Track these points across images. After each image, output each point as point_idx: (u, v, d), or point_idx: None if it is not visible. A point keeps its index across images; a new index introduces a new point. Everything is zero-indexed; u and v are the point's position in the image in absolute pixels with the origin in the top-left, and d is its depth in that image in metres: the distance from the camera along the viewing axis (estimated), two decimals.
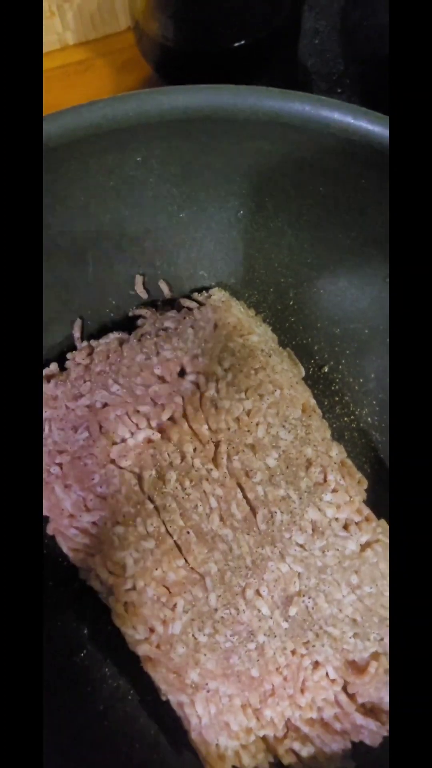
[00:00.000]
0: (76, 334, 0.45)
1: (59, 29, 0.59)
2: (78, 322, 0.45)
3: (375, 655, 0.37)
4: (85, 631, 0.41)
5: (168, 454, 0.40)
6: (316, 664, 0.37)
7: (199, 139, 0.40)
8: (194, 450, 0.40)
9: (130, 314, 0.46)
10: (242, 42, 0.54)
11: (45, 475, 0.40)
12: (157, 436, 0.40)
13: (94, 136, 0.38)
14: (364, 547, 0.39)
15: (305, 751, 0.37)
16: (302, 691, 0.37)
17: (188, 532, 0.38)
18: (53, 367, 0.43)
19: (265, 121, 0.39)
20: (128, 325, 0.45)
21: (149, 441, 0.40)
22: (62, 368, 0.43)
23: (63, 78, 0.60)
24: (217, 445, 0.40)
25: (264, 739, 0.37)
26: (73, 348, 0.45)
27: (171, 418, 0.41)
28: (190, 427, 0.40)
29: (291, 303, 0.46)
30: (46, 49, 0.60)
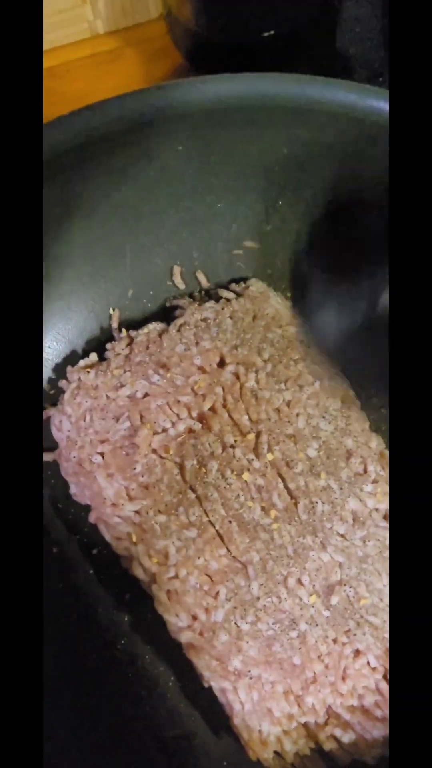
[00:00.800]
0: (114, 324, 0.45)
1: (90, 17, 0.59)
2: (116, 313, 0.45)
3: None
4: (126, 619, 0.42)
5: (209, 444, 0.40)
6: (357, 653, 0.37)
7: (240, 128, 0.40)
8: (235, 440, 0.40)
9: (168, 305, 0.46)
10: (276, 31, 0.53)
11: (87, 464, 0.41)
12: (198, 426, 0.40)
13: (138, 125, 0.38)
14: None
15: (346, 738, 0.37)
16: (343, 678, 0.37)
17: (230, 522, 0.38)
18: (93, 357, 0.43)
19: (308, 110, 0.39)
20: (166, 315, 0.45)
21: (190, 431, 0.40)
22: (101, 358, 0.43)
23: (93, 67, 0.60)
24: (257, 435, 0.40)
25: (305, 725, 0.38)
26: (112, 338, 0.45)
27: (211, 409, 0.41)
28: (231, 417, 0.40)
29: None
30: (76, 37, 0.60)
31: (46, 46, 0.59)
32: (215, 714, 0.39)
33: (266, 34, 0.54)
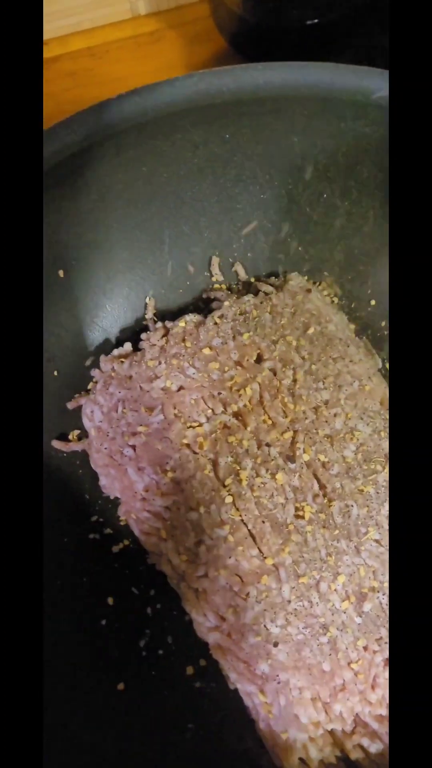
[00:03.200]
0: (149, 314, 0.44)
1: None
2: (152, 302, 0.44)
3: None
4: (150, 615, 0.41)
5: (244, 442, 0.39)
6: (388, 661, 0.37)
7: (291, 117, 0.39)
8: (271, 439, 0.39)
9: (205, 296, 0.45)
10: (319, 20, 0.52)
11: (118, 457, 0.40)
12: (233, 422, 0.39)
13: (185, 111, 0.37)
14: None
15: (374, 748, 0.36)
16: (373, 687, 0.36)
17: (263, 522, 0.38)
18: (127, 346, 0.42)
19: (362, 103, 0.37)
20: (203, 307, 0.44)
21: (225, 427, 0.39)
22: (136, 348, 0.42)
23: (134, 49, 0.58)
24: (294, 434, 0.39)
25: (332, 733, 0.37)
26: (146, 328, 0.44)
27: (247, 405, 0.40)
28: (267, 415, 0.39)
29: (369, 291, 0.45)
30: (116, 18, 0.59)
31: (86, 25, 0.58)
32: (240, 716, 0.39)
33: (309, 23, 0.52)
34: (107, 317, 0.44)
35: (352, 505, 0.38)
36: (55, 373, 0.42)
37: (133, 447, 0.40)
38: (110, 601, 0.41)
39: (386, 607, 0.37)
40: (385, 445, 0.39)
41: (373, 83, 0.36)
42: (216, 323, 0.42)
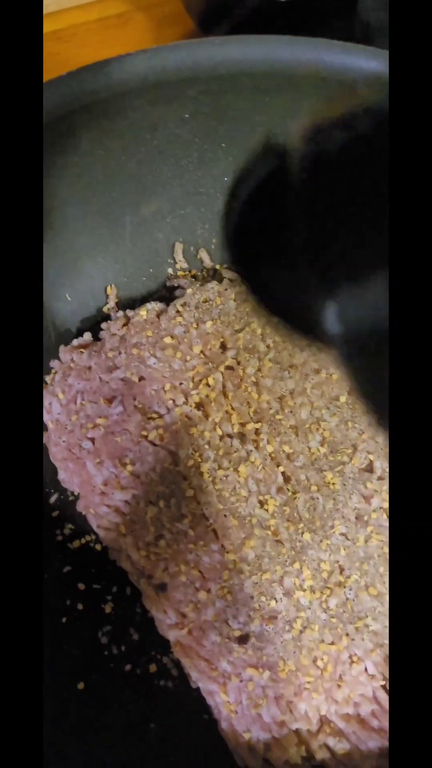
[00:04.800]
0: (111, 303, 0.43)
1: None
2: (113, 290, 0.43)
3: None
4: (112, 612, 0.40)
5: (206, 433, 0.38)
6: (354, 658, 0.35)
7: (251, 95, 0.37)
8: (234, 430, 0.38)
9: (168, 284, 0.44)
10: None
11: (76, 450, 0.38)
12: (195, 413, 0.38)
13: (140, 89, 0.36)
14: None
15: (340, 747, 0.35)
16: (339, 685, 0.35)
17: (225, 516, 0.36)
18: (87, 336, 0.41)
19: (325, 78, 0.36)
20: (166, 295, 0.43)
21: (187, 418, 0.38)
22: (96, 338, 0.41)
23: (100, 31, 0.57)
24: (257, 425, 0.38)
25: (297, 732, 0.36)
26: (108, 318, 0.42)
27: (210, 396, 0.38)
28: (230, 405, 0.38)
29: None
30: (83, 0, 0.57)
31: (52, 7, 0.56)
32: (204, 715, 0.37)
33: (282, 1, 0.51)
34: (67, 307, 0.42)
35: (318, 498, 0.37)
36: None
37: (92, 440, 0.38)
38: (70, 598, 0.40)
39: (353, 603, 0.36)
40: (353, 435, 0.38)
41: (334, 57, 0.35)
42: (178, 311, 0.41)
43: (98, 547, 0.41)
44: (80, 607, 0.39)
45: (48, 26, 0.57)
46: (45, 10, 0.57)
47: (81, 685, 0.38)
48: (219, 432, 0.38)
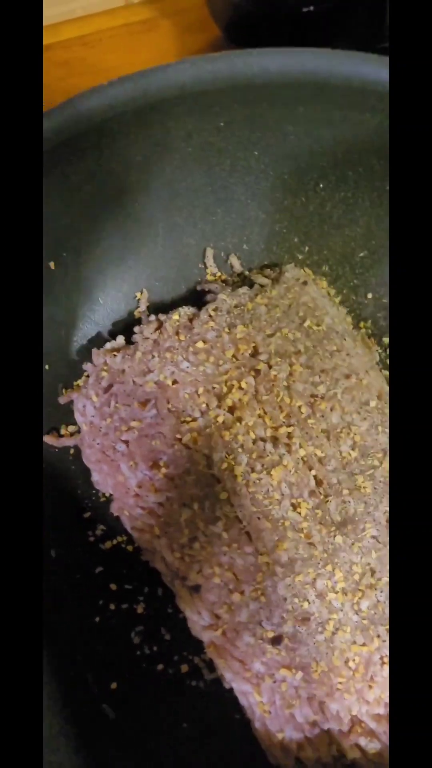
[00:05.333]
0: (143, 306, 0.44)
1: None
2: (144, 295, 0.44)
3: None
4: (144, 613, 0.40)
5: (239, 437, 0.38)
6: (385, 660, 0.36)
7: (285, 105, 0.38)
8: (266, 433, 0.38)
9: (199, 289, 0.44)
10: (317, 6, 0.51)
11: (110, 452, 0.39)
12: (228, 417, 0.39)
13: (179, 98, 0.36)
14: None
15: (371, 747, 0.36)
16: (370, 686, 0.36)
17: (258, 518, 0.37)
18: (120, 340, 0.41)
19: (360, 90, 0.36)
20: (197, 300, 0.44)
21: (220, 421, 0.39)
22: (129, 342, 0.42)
23: (126, 37, 0.57)
24: (290, 429, 0.38)
25: (329, 732, 0.36)
26: (139, 322, 0.43)
27: (242, 400, 0.39)
28: (263, 409, 0.39)
29: (366, 283, 0.44)
30: (109, 6, 0.58)
31: (79, 12, 0.57)
32: (236, 715, 0.38)
33: (305, 10, 0.51)
34: (99, 310, 0.43)
35: (349, 502, 0.37)
36: (47, 367, 0.41)
37: (126, 442, 0.39)
38: (103, 599, 0.40)
39: (384, 605, 0.36)
40: (383, 440, 0.39)
41: (369, 70, 0.35)
42: (210, 316, 0.41)
43: (130, 548, 0.41)
44: (112, 607, 0.40)
45: (75, 31, 0.58)
46: (72, 16, 0.58)
47: (114, 685, 0.38)
48: (252, 435, 0.38)
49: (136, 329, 0.41)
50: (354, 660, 0.36)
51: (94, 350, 0.41)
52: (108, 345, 0.41)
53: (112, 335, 0.42)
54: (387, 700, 0.36)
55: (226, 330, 0.41)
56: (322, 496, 0.37)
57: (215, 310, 0.41)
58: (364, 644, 0.36)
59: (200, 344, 0.40)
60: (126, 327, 0.43)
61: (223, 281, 0.44)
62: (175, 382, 0.39)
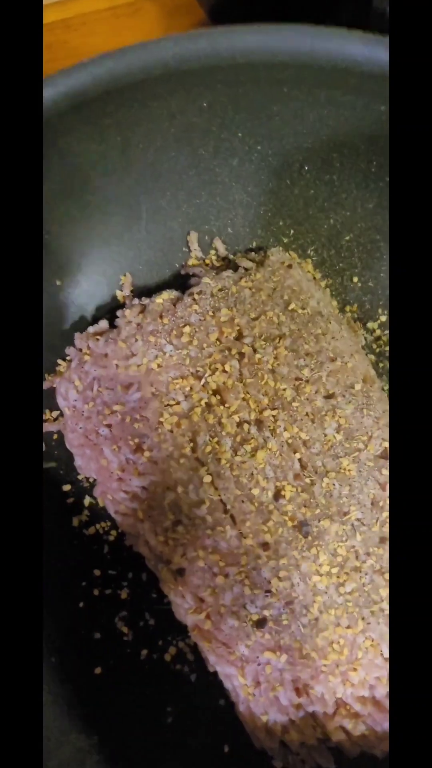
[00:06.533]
0: (126, 291, 0.43)
1: None
2: (128, 278, 0.43)
3: None
4: (128, 597, 0.40)
5: (223, 420, 0.38)
6: (370, 642, 0.36)
7: (270, 84, 0.38)
8: (250, 417, 0.38)
9: (183, 272, 0.44)
10: None
11: (93, 436, 0.39)
12: (212, 400, 0.38)
13: (162, 76, 0.36)
14: None
15: (356, 730, 0.36)
16: (355, 668, 0.36)
17: (242, 501, 0.37)
18: (103, 324, 0.41)
19: (344, 69, 0.36)
20: (181, 284, 0.43)
21: (204, 405, 0.38)
22: (112, 326, 0.41)
23: (111, 20, 0.57)
24: (274, 412, 0.38)
25: (313, 715, 0.36)
26: (122, 306, 0.43)
27: (227, 383, 0.39)
28: (247, 392, 0.38)
29: (351, 267, 0.44)
30: None
31: None
32: (220, 699, 0.38)
33: None
34: (82, 294, 0.43)
35: (334, 484, 0.37)
36: None
37: (109, 426, 0.39)
38: (86, 584, 0.40)
39: (368, 587, 0.36)
40: (368, 423, 0.39)
41: (355, 48, 0.35)
42: (194, 299, 0.41)
43: (113, 533, 0.41)
44: (96, 593, 0.40)
45: (57, 14, 0.57)
46: None
47: (98, 670, 0.38)
48: (236, 419, 0.38)
49: (119, 313, 0.41)
50: (339, 642, 0.36)
51: (77, 334, 0.41)
52: (91, 329, 0.41)
53: (95, 319, 0.42)
54: (372, 682, 0.36)
55: (210, 313, 0.40)
56: (306, 479, 0.37)
57: (199, 293, 0.41)
58: (348, 627, 0.36)
59: (184, 328, 0.40)
60: (109, 311, 0.43)
61: (207, 265, 0.44)
62: (158, 365, 0.39)
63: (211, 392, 0.39)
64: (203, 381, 0.39)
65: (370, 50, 0.35)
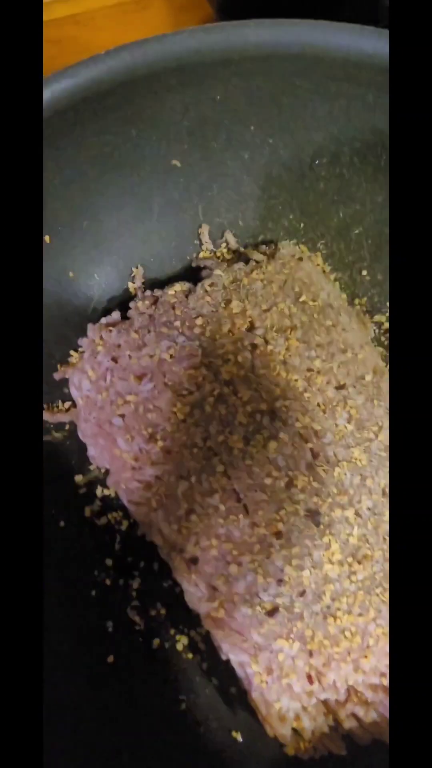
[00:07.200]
0: (138, 283, 0.43)
1: None
2: (139, 270, 0.43)
3: None
4: (139, 586, 0.40)
5: (236, 410, 0.38)
6: (381, 629, 0.36)
7: (281, 78, 0.38)
8: (263, 407, 0.38)
9: (195, 265, 0.44)
10: None
11: (107, 426, 0.39)
12: (225, 390, 0.39)
13: (176, 69, 0.36)
14: None
15: (367, 717, 0.36)
16: (366, 655, 0.36)
17: (255, 491, 0.37)
18: (116, 315, 0.41)
19: (356, 62, 0.36)
20: (192, 276, 0.43)
21: (216, 395, 0.39)
22: (124, 317, 0.41)
23: (119, 16, 0.57)
24: (286, 402, 0.38)
25: (325, 702, 0.36)
26: (134, 297, 0.43)
27: (239, 374, 0.39)
28: (259, 383, 0.39)
29: (360, 260, 0.45)
30: None
31: None
32: (232, 688, 0.38)
33: None
34: (94, 286, 0.43)
35: (345, 474, 0.37)
36: None
37: (122, 416, 0.39)
38: (98, 573, 0.40)
39: (379, 575, 0.36)
40: (378, 413, 0.39)
41: (365, 42, 0.35)
42: (206, 291, 0.41)
43: (125, 523, 0.41)
44: (108, 582, 0.40)
45: (66, 10, 0.57)
46: None
47: (111, 659, 0.38)
48: (248, 409, 0.38)
49: (131, 304, 0.41)
50: (350, 630, 0.36)
51: (90, 325, 0.41)
52: (103, 320, 0.41)
53: (107, 311, 0.42)
54: (383, 670, 0.36)
55: (222, 305, 0.40)
56: (318, 469, 0.38)
57: (211, 285, 0.41)
58: (360, 614, 0.36)
59: (197, 319, 0.40)
60: (121, 303, 0.43)
61: (218, 258, 0.44)
62: (171, 356, 0.39)
63: (223, 383, 0.39)
64: (216, 372, 0.39)
65: (381, 44, 0.36)
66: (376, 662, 0.36)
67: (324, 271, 0.45)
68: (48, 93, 0.35)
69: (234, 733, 0.38)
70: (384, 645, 0.36)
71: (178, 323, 0.40)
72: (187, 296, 0.41)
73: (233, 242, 0.44)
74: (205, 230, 0.44)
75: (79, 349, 0.41)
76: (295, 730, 0.36)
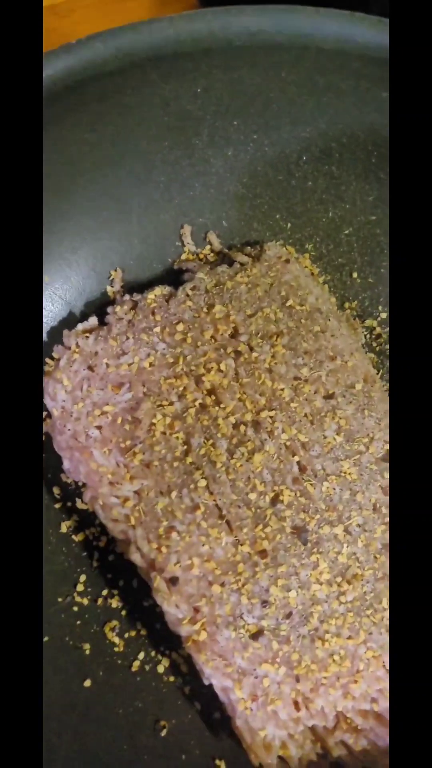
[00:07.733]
0: (117, 285, 0.41)
1: None
2: (118, 273, 0.42)
3: None
4: (119, 607, 0.38)
5: (219, 421, 0.36)
6: (372, 653, 0.34)
7: (267, 69, 0.36)
8: (247, 418, 0.36)
9: (176, 267, 0.42)
10: None
11: (83, 438, 0.37)
12: (207, 400, 0.37)
13: (153, 59, 0.34)
14: None
15: (357, 744, 0.34)
16: (356, 680, 0.34)
17: (239, 506, 0.35)
18: (93, 320, 0.39)
19: (346, 52, 0.34)
20: (174, 279, 0.41)
21: (198, 406, 0.37)
22: (102, 323, 0.39)
23: (100, 7, 0.55)
24: (272, 413, 0.37)
25: (313, 729, 0.35)
26: (113, 302, 0.41)
27: (222, 383, 0.37)
28: (243, 392, 0.37)
29: (350, 262, 0.43)
30: None
31: None
32: (216, 713, 0.36)
33: None
34: (71, 290, 0.41)
35: (335, 488, 0.36)
36: None
37: (99, 428, 0.37)
38: (77, 592, 0.38)
39: (369, 596, 0.35)
40: (369, 424, 0.37)
41: (356, 30, 0.33)
42: (188, 295, 0.39)
43: (103, 539, 0.39)
44: (85, 602, 0.38)
45: (46, 1, 0.55)
46: None
47: (88, 683, 0.37)
48: (232, 420, 0.36)
49: (109, 309, 0.39)
50: (339, 654, 0.34)
51: (65, 331, 0.39)
52: (80, 326, 0.39)
53: (84, 316, 0.40)
54: (374, 695, 0.35)
55: (205, 310, 0.39)
56: (305, 483, 0.36)
57: (193, 289, 0.39)
58: (349, 637, 0.34)
59: (177, 325, 0.38)
60: (99, 307, 0.41)
61: (201, 259, 0.42)
62: (150, 364, 0.37)
63: (205, 392, 0.37)
64: (198, 381, 0.37)
65: (372, 33, 0.34)
66: (367, 687, 0.34)
67: (312, 274, 0.43)
68: None
69: (218, 761, 0.36)
70: (375, 669, 0.34)
71: (158, 329, 0.38)
72: (167, 301, 0.39)
73: (217, 243, 0.42)
74: (187, 231, 0.42)
75: (54, 357, 0.39)
76: (281, 758, 0.35)
